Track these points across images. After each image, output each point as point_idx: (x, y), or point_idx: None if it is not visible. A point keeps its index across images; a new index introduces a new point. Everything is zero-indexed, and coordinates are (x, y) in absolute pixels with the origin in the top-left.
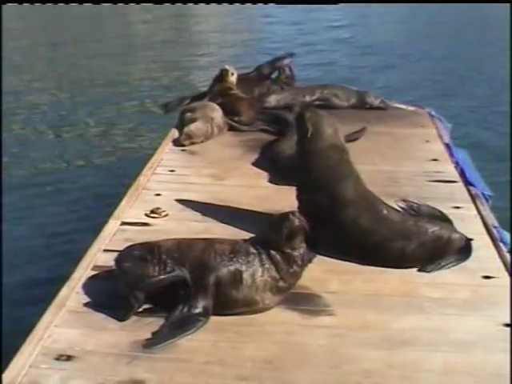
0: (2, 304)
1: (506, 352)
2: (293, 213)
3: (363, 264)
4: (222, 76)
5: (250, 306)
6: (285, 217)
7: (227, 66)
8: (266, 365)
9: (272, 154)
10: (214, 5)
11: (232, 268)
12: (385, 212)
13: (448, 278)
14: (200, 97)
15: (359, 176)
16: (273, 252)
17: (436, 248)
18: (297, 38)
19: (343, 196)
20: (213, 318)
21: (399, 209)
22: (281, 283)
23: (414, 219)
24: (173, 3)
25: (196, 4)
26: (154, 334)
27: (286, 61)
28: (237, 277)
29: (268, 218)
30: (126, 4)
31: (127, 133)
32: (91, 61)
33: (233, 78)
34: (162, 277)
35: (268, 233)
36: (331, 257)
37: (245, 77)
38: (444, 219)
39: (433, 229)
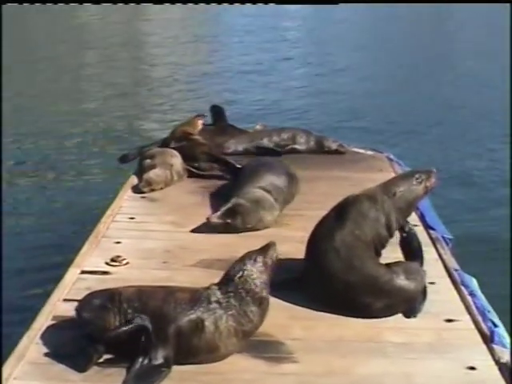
0: None
1: None
2: (250, 254)
3: (329, 310)
4: (192, 122)
5: (212, 353)
6: (241, 259)
7: (202, 115)
8: None
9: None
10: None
11: (193, 317)
12: (358, 263)
13: (411, 322)
14: (159, 143)
15: (348, 225)
16: (233, 297)
17: (403, 306)
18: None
19: (329, 242)
20: (176, 368)
21: (377, 261)
22: (245, 327)
23: (389, 277)
24: (173, 3)
25: (196, 4)
26: None
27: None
28: (198, 325)
29: (235, 263)
30: (126, 4)
31: (85, 179)
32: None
33: (199, 127)
34: (124, 328)
35: (228, 277)
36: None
37: (208, 126)
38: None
39: (405, 288)
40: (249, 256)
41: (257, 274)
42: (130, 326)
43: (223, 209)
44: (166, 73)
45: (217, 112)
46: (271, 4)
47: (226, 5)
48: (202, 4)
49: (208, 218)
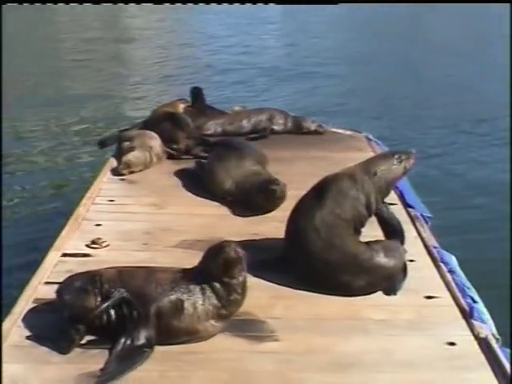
0: None
1: (451, 370)
2: (228, 244)
3: (310, 289)
4: (174, 104)
5: (192, 335)
6: (220, 248)
7: (183, 99)
8: None
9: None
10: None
11: (173, 297)
12: (338, 242)
13: (391, 299)
14: (139, 125)
15: (328, 204)
16: (212, 281)
17: (383, 283)
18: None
19: (309, 221)
20: (159, 348)
21: (357, 240)
22: (222, 311)
23: (369, 254)
24: (172, 3)
25: (196, 4)
26: (101, 370)
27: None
28: (178, 306)
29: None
30: (126, 4)
31: (64, 162)
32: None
33: (180, 108)
34: (105, 305)
35: (206, 263)
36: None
37: (187, 108)
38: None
39: (385, 265)
40: (222, 245)
41: (230, 263)
42: (111, 300)
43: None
44: (152, 59)
45: (196, 94)
46: (271, 4)
47: (225, 5)
48: (201, 4)
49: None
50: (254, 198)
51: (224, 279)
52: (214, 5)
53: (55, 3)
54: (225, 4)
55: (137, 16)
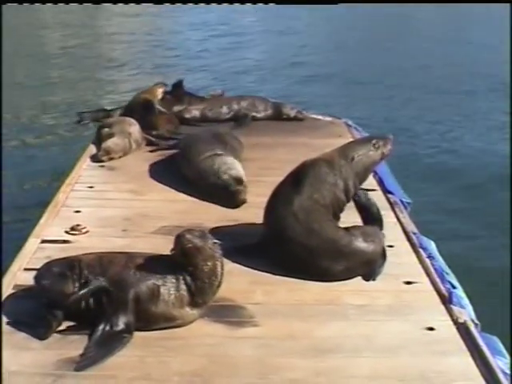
0: None
1: (430, 355)
2: (186, 233)
3: (289, 275)
4: (152, 90)
5: (170, 321)
6: (178, 238)
7: (162, 83)
8: (194, 378)
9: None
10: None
11: (150, 283)
12: (317, 227)
13: (370, 284)
14: (121, 109)
15: (306, 189)
16: (180, 270)
17: (362, 269)
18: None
19: (287, 207)
20: (139, 333)
21: (336, 225)
22: (196, 299)
23: (348, 239)
24: (173, 3)
25: (196, 4)
26: (81, 355)
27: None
28: (155, 292)
29: None
30: (126, 4)
31: (43, 148)
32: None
33: (159, 95)
34: (83, 291)
35: (173, 253)
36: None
37: (166, 95)
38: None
39: (364, 250)
40: (178, 235)
41: (186, 252)
42: (89, 288)
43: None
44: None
45: (176, 83)
46: (271, 4)
47: (225, 4)
48: (201, 4)
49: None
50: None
51: (188, 268)
52: (214, 4)
53: (55, 3)
54: (225, 4)
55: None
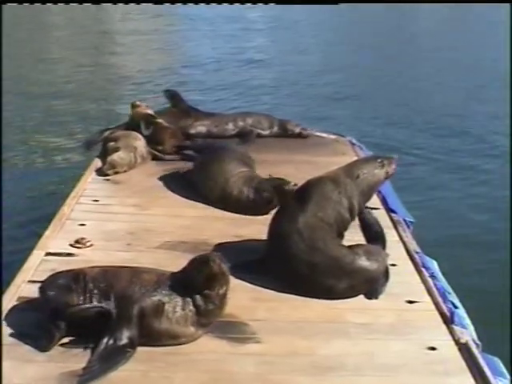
0: None
1: (431, 375)
2: (213, 257)
3: (292, 292)
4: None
5: (172, 339)
6: (205, 261)
7: (137, 102)
8: None
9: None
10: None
11: (155, 299)
12: (321, 244)
13: (372, 303)
14: (122, 126)
15: (311, 207)
16: (192, 290)
17: (365, 287)
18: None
19: (292, 224)
20: (143, 348)
21: (340, 243)
22: (201, 319)
23: (351, 258)
24: (173, 3)
25: (196, 4)
26: (84, 369)
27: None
28: (159, 309)
29: (191, 257)
30: (127, 4)
31: (49, 162)
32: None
33: (143, 110)
34: (85, 306)
35: (189, 271)
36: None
37: (170, 110)
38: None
39: (367, 269)
40: (207, 259)
41: (213, 277)
42: (94, 305)
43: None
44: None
45: (173, 95)
46: (271, 4)
47: (225, 4)
48: (202, 4)
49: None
50: (246, 203)
51: (204, 291)
52: (214, 4)
53: (55, 3)
54: (225, 4)
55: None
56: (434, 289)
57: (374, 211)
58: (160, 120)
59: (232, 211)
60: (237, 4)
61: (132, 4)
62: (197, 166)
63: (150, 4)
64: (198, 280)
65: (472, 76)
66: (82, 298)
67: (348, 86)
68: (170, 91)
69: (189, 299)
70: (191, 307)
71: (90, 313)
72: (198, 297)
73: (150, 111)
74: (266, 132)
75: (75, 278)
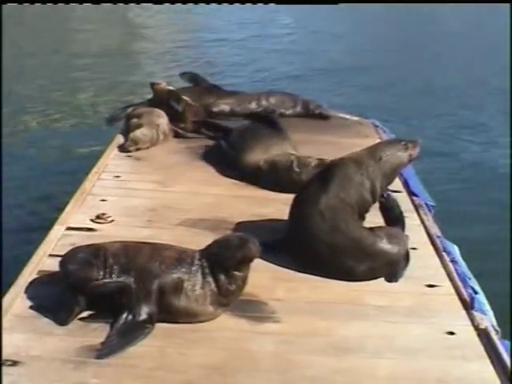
0: None
1: (449, 359)
2: (252, 240)
3: (312, 272)
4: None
5: (191, 317)
6: (243, 243)
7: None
8: (214, 371)
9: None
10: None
11: (175, 276)
12: (343, 226)
13: (392, 286)
14: (145, 104)
15: (333, 188)
16: (218, 269)
17: (385, 270)
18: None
19: (314, 205)
20: (161, 325)
21: (361, 225)
22: (221, 298)
23: (373, 240)
24: (173, 3)
25: (196, 4)
26: (102, 344)
27: None
28: (178, 286)
29: (224, 236)
30: (126, 4)
31: (71, 137)
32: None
33: (165, 87)
34: (107, 281)
35: (221, 251)
36: (279, 265)
37: (192, 88)
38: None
39: (388, 252)
40: (246, 241)
41: (248, 260)
42: (114, 281)
43: (276, 155)
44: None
45: (193, 76)
46: (271, 4)
47: (225, 4)
48: (202, 4)
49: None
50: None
51: (231, 271)
52: (214, 4)
53: (55, 3)
54: (225, 4)
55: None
56: (455, 273)
57: (395, 194)
58: (183, 97)
59: (262, 187)
60: (237, 4)
61: (132, 4)
62: (235, 136)
63: (150, 4)
64: (231, 261)
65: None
66: (102, 272)
67: (377, 74)
68: (189, 73)
69: (210, 278)
70: (212, 286)
71: (110, 288)
72: (223, 277)
73: (171, 88)
74: (289, 111)
75: (95, 253)
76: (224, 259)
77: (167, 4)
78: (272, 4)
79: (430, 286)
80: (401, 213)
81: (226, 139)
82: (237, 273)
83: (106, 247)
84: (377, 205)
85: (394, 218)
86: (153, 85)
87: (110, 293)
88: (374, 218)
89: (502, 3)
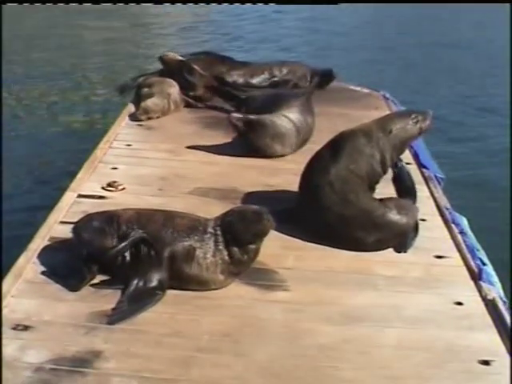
0: None
1: (457, 329)
2: (267, 215)
3: (321, 242)
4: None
5: (201, 285)
6: (259, 217)
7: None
8: (223, 337)
9: None
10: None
11: (187, 244)
12: (352, 197)
13: (401, 256)
14: (157, 73)
15: (343, 159)
16: (231, 240)
17: (394, 240)
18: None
19: (324, 176)
20: (171, 291)
21: (371, 196)
22: (231, 268)
23: (382, 211)
24: (173, 3)
25: (196, 4)
26: (113, 309)
27: None
28: (190, 253)
29: (239, 208)
30: (126, 4)
31: (82, 105)
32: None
33: (176, 57)
34: (124, 244)
35: (236, 223)
36: (288, 234)
37: (203, 57)
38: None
39: (397, 222)
40: (262, 216)
41: (263, 234)
42: (129, 240)
43: (247, 115)
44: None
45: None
46: (271, 4)
47: (225, 4)
48: (202, 4)
49: (229, 116)
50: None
51: (245, 243)
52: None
53: (55, 3)
54: (225, 4)
55: None
56: (463, 245)
57: (406, 166)
58: (195, 67)
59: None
60: (237, 4)
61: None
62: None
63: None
64: (245, 234)
65: None
66: (115, 239)
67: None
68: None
69: (222, 248)
70: (224, 256)
71: (126, 248)
72: (235, 248)
73: (182, 58)
74: (302, 82)
75: (109, 220)
76: (238, 232)
77: (167, 4)
78: (272, 4)
79: (439, 257)
80: (413, 184)
81: (245, 105)
82: (251, 246)
83: (118, 214)
84: (388, 175)
85: (405, 189)
86: (161, 57)
87: (123, 260)
88: (384, 188)
89: (501, 3)
